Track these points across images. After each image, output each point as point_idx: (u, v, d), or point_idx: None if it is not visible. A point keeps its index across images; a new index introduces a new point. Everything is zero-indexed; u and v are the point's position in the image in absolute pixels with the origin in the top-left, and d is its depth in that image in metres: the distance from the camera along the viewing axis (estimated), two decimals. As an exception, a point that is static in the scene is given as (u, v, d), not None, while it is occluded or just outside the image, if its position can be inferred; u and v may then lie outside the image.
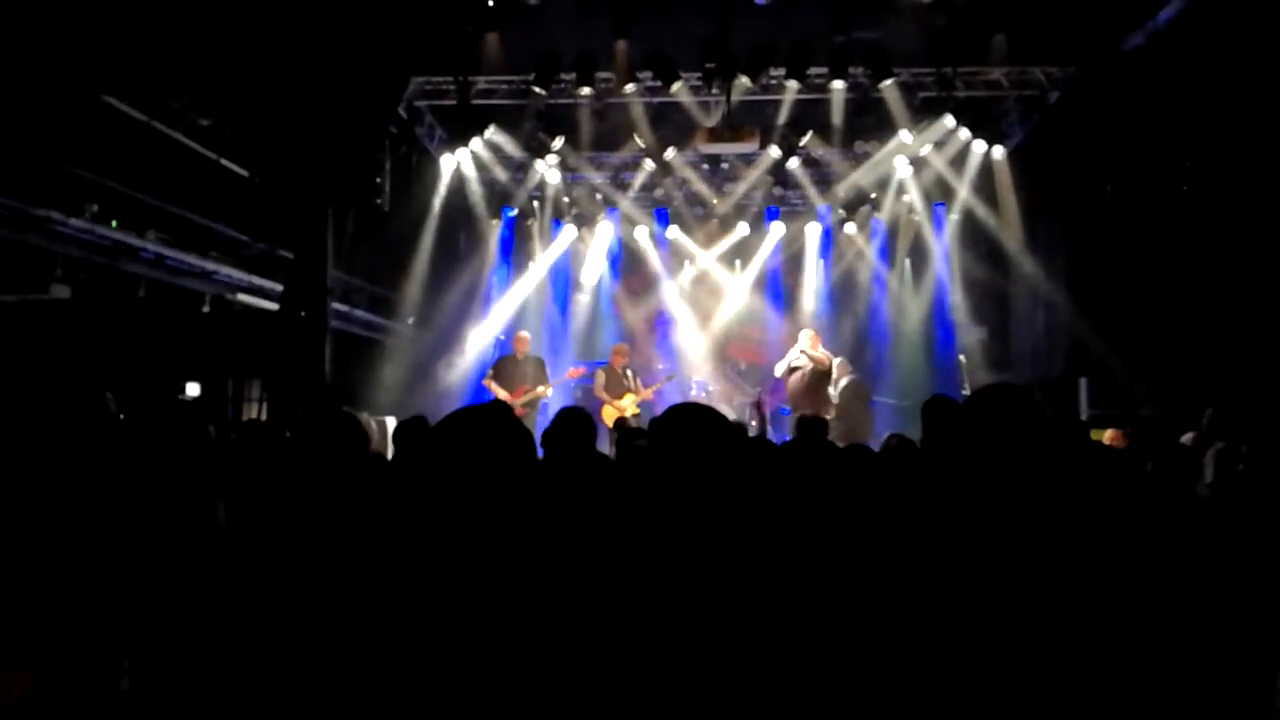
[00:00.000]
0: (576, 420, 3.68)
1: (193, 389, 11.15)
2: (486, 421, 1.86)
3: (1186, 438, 6.67)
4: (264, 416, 10.67)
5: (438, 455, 1.80)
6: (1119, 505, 3.75)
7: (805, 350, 11.03)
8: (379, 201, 12.53)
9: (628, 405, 11.35)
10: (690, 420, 2.01)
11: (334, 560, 1.87)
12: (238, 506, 2.48)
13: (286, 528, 2.09)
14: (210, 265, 11.08)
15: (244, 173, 11.40)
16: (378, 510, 2.04)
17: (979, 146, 13.22)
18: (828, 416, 9.78)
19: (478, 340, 14.35)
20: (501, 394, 10.72)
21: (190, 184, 10.93)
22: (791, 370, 11.09)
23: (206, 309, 11.51)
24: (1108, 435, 7.00)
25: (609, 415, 11.11)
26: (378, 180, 12.30)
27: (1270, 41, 8.73)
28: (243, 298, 11.95)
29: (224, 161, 11.27)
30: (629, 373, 11.61)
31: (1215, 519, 4.11)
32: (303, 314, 10.07)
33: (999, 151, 13.27)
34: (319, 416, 2.88)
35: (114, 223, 9.44)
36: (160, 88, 9.92)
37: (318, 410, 8.96)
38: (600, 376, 11.70)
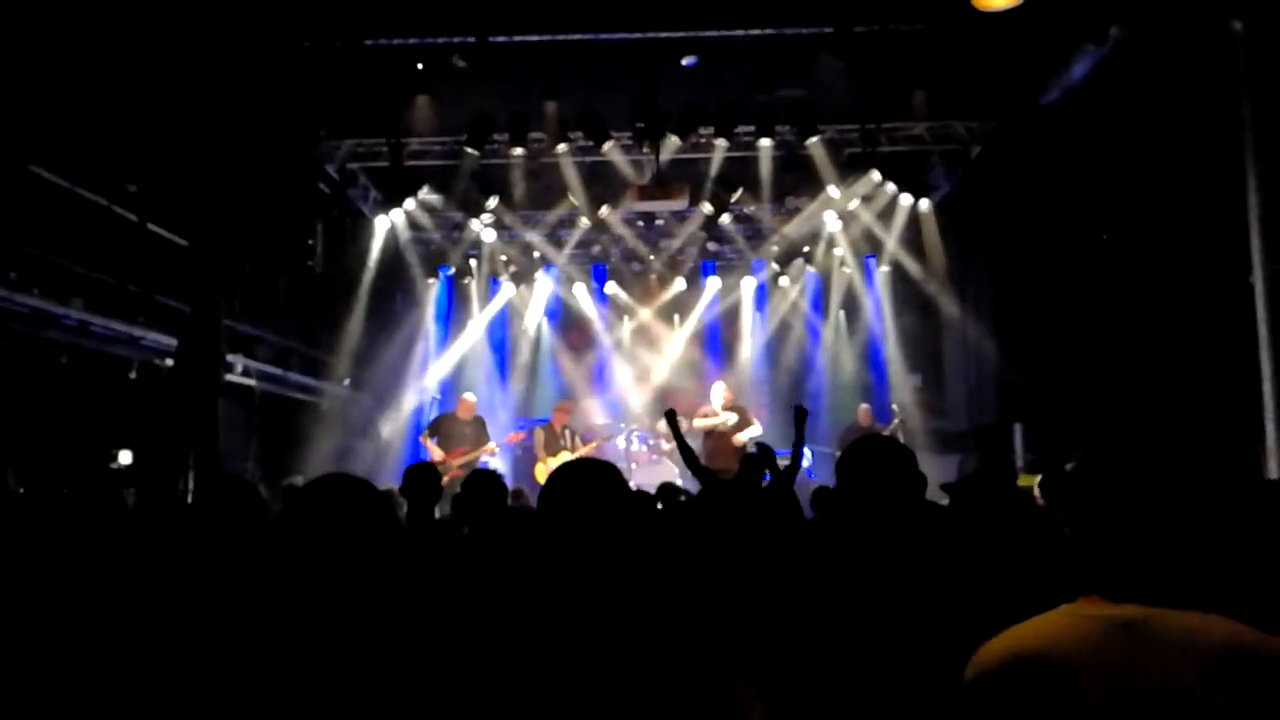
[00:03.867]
0: (481, 483, 3.71)
1: (125, 457, 10.90)
2: (336, 491, 1.87)
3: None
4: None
5: (291, 525, 1.81)
6: (1025, 549, 3.81)
7: (732, 408, 10.99)
8: (311, 263, 12.44)
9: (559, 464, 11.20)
10: (578, 479, 2.01)
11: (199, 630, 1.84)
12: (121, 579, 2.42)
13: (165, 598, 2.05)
14: (137, 331, 10.90)
15: (181, 241, 11.20)
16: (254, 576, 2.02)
17: (906, 199, 13.40)
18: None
19: (414, 401, 14.25)
20: (437, 454, 10.56)
21: (118, 249, 10.78)
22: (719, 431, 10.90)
23: (133, 375, 11.30)
24: (1037, 481, 7.07)
25: (540, 474, 11.02)
26: (310, 242, 12.23)
27: (1176, 94, 9.11)
28: (172, 363, 11.74)
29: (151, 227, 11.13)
30: (568, 431, 11.59)
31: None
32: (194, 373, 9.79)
33: (925, 204, 13.50)
34: (211, 483, 2.83)
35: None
36: (86, 155, 9.80)
37: (210, 476, 8.78)
38: (539, 435, 11.67)
